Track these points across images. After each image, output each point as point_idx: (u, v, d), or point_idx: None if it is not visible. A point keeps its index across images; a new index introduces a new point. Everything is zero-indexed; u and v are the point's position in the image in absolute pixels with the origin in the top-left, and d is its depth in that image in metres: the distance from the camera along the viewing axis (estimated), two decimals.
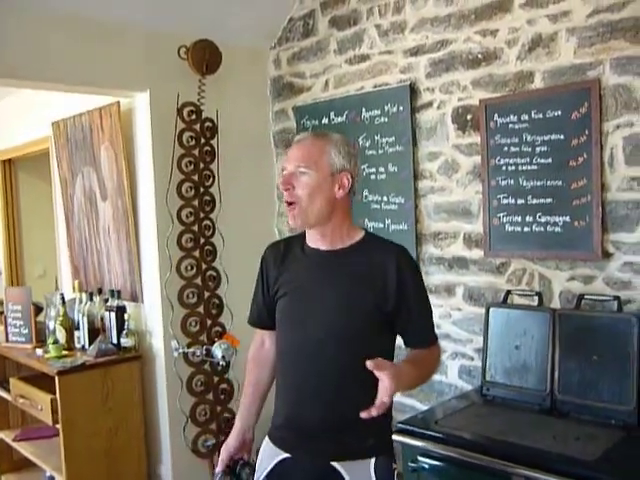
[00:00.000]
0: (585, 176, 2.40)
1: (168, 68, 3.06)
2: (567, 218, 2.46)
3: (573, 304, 2.42)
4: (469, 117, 2.75)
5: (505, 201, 2.64)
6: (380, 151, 3.04)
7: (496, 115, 2.64)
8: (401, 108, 2.95)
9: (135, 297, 3.29)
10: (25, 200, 4.79)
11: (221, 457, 1.89)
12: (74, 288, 3.57)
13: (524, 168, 2.57)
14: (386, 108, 3.00)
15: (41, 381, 3.13)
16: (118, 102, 3.16)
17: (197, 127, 3.16)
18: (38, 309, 3.57)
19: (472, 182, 2.76)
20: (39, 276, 4.69)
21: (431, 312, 1.78)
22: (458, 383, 2.84)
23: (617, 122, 2.34)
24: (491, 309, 2.56)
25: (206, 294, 3.23)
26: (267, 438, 1.82)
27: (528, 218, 2.57)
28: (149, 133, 3.09)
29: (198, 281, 3.20)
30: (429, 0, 2.84)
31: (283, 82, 3.52)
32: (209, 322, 3.23)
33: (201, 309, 3.21)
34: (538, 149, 2.53)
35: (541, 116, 2.51)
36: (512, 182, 2.61)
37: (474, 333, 2.77)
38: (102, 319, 3.29)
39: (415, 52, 2.91)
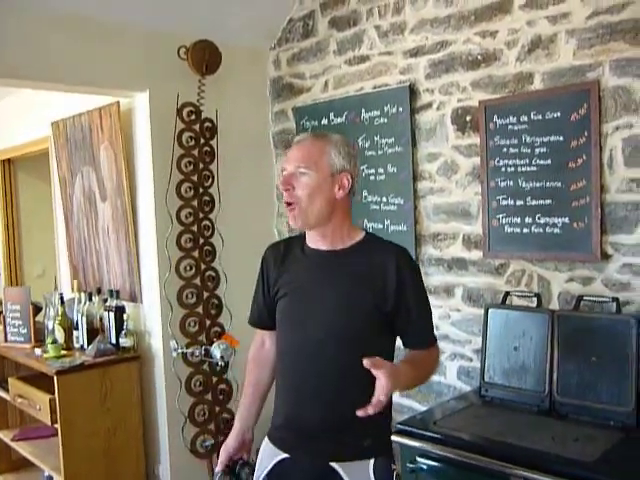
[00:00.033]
0: (584, 177, 2.40)
1: (168, 68, 3.06)
2: (566, 219, 2.47)
3: (572, 305, 2.42)
4: (468, 118, 2.76)
5: (504, 202, 2.64)
6: (379, 152, 3.05)
7: (495, 116, 2.64)
8: (400, 109, 2.95)
9: (134, 297, 3.29)
10: (24, 200, 4.79)
11: (220, 457, 1.89)
12: (73, 288, 3.57)
13: (523, 169, 2.57)
14: (386, 109, 3.01)
15: (40, 381, 3.13)
16: (118, 102, 3.16)
17: (197, 127, 3.16)
18: (37, 309, 3.57)
19: (471, 183, 2.77)
20: (38, 276, 4.69)
21: (431, 313, 1.78)
22: (457, 384, 2.84)
23: (616, 124, 2.34)
24: (490, 310, 2.56)
25: (205, 294, 3.23)
26: (267, 438, 1.82)
27: (527, 219, 2.58)
28: (149, 133, 3.09)
29: (197, 281, 3.20)
30: (429, 1, 2.85)
31: (283, 83, 3.52)
32: (208, 322, 3.23)
33: (200, 309, 3.21)
34: (537, 150, 2.53)
35: (540, 117, 2.51)
36: (511, 183, 2.61)
37: (473, 334, 2.77)
38: (101, 319, 3.29)
39: (415, 53, 2.92)
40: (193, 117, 3.14)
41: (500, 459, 1.97)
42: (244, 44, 3.39)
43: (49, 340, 3.25)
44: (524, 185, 2.57)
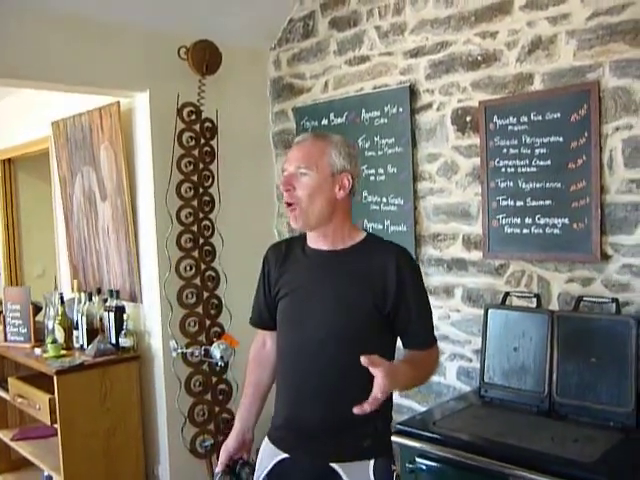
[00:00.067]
0: (584, 178, 2.41)
1: (168, 68, 3.06)
2: (566, 220, 2.47)
3: (572, 306, 2.43)
4: (468, 119, 2.76)
5: (504, 203, 2.64)
6: (379, 152, 3.05)
7: (495, 117, 2.64)
8: (401, 109, 2.95)
9: (134, 297, 3.29)
10: (25, 200, 4.79)
11: (221, 457, 1.89)
12: (73, 288, 3.57)
13: (523, 170, 2.58)
14: (386, 109, 3.01)
15: (39, 381, 3.13)
16: (118, 102, 3.16)
17: (197, 127, 3.16)
18: (37, 309, 3.57)
19: (471, 184, 2.77)
20: (38, 276, 4.69)
21: (431, 314, 1.77)
22: (456, 384, 2.85)
23: (616, 124, 2.34)
24: (490, 310, 2.56)
25: (205, 294, 3.23)
26: (267, 438, 1.82)
27: (527, 220, 2.58)
28: (149, 133, 3.09)
29: (197, 281, 3.20)
30: (429, 2, 2.85)
31: (283, 83, 3.52)
32: (208, 322, 3.24)
33: (200, 309, 3.21)
34: (537, 151, 2.53)
35: (540, 118, 2.51)
36: (511, 184, 2.61)
37: (473, 334, 2.77)
38: (101, 319, 3.29)
39: (415, 53, 2.92)
40: (193, 117, 3.15)
41: (499, 460, 1.97)
42: (244, 44, 3.39)
43: (49, 340, 3.25)
44: (524, 186, 2.58)
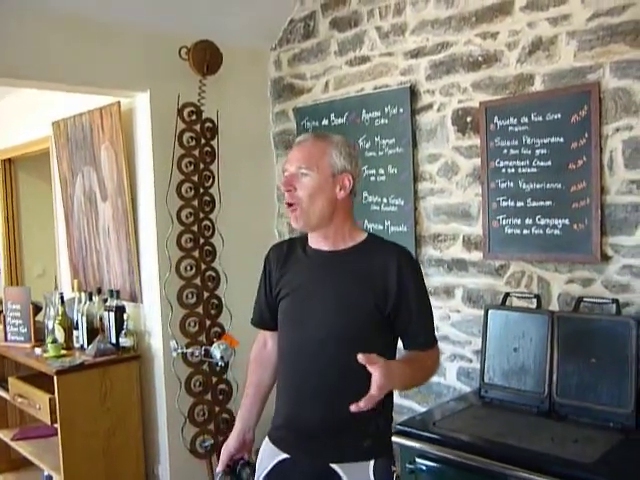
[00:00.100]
0: (584, 179, 2.41)
1: (168, 68, 3.06)
2: (566, 221, 2.47)
3: (572, 307, 2.43)
4: (469, 119, 2.76)
5: (504, 203, 2.65)
6: (380, 153, 3.05)
7: (496, 117, 2.64)
8: (401, 110, 2.95)
9: (134, 297, 3.30)
10: (25, 200, 4.79)
11: (221, 457, 1.89)
12: (73, 288, 3.57)
13: (524, 171, 2.58)
14: (386, 110, 3.01)
15: (39, 380, 3.13)
16: (118, 102, 3.16)
17: (197, 127, 3.17)
18: (37, 308, 3.57)
19: (472, 184, 2.77)
20: (38, 275, 4.69)
21: (432, 314, 1.77)
22: (456, 385, 2.85)
23: (617, 125, 2.34)
24: (490, 311, 2.56)
25: (205, 294, 3.23)
26: (267, 438, 1.82)
27: (527, 221, 2.58)
28: (149, 133, 3.10)
29: (197, 281, 3.20)
30: (430, 2, 2.85)
31: (283, 83, 3.53)
32: (208, 322, 3.24)
33: (200, 309, 3.21)
34: (538, 152, 2.53)
35: (541, 119, 2.51)
36: (512, 185, 2.62)
37: (473, 335, 2.77)
38: (101, 319, 3.29)
39: (415, 54, 2.92)
40: (194, 117, 3.15)
41: (499, 460, 1.97)
42: (245, 44, 3.39)
43: (49, 340, 3.25)
44: (524, 186, 2.58)
